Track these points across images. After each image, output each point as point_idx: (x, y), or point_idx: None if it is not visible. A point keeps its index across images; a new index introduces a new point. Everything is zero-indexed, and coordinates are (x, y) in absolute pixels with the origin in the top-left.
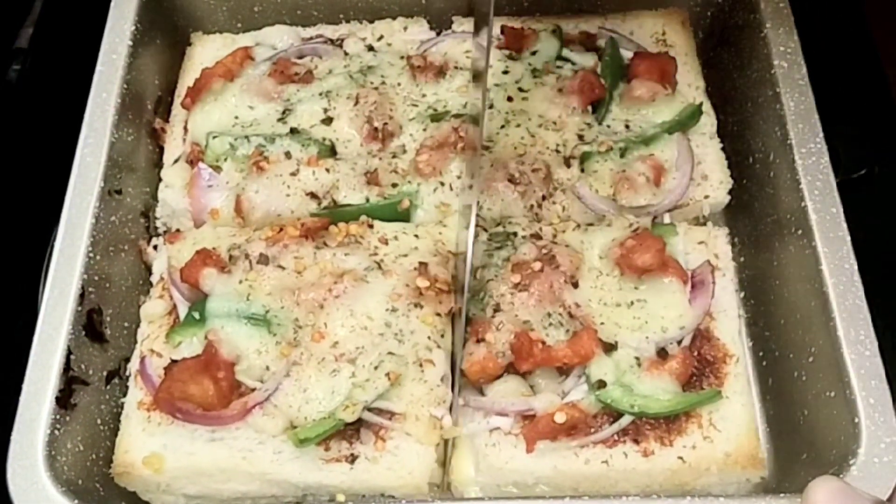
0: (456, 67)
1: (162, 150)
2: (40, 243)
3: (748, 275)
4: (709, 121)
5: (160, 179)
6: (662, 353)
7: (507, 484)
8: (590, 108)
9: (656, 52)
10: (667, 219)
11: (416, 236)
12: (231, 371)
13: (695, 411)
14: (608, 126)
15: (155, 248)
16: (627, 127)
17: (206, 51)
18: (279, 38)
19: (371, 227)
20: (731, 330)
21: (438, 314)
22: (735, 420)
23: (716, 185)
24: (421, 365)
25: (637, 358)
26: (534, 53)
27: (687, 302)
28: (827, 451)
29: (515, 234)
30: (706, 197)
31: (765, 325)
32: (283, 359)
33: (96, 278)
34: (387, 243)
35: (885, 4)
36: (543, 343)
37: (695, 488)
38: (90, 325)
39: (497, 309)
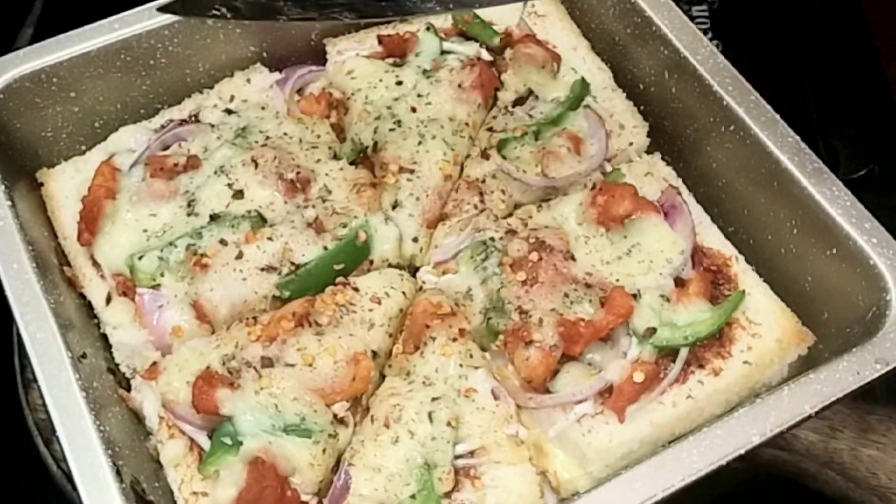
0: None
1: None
2: None
3: (690, 186)
4: (605, 75)
5: (98, 328)
6: (680, 283)
7: (616, 459)
8: (490, 99)
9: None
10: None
11: (404, 292)
12: (291, 487)
13: (732, 318)
14: (511, 113)
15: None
16: (531, 116)
17: (61, 183)
18: (129, 139)
19: (357, 290)
20: (715, 236)
21: (455, 339)
22: (767, 309)
23: (632, 131)
24: (467, 394)
25: (662, 295)
26: (418, 55)
27: (671, 229)
28: (851, 301)
29: (492, 238)
30: (630, 144)
31: (730, 224)
32: (335, 456)
33: (117, 449)
34: (380, 303)
35: (886, 4)
36: (583, 320)
37: (764, 384)
38: (139, 498)
39: (521, 311)
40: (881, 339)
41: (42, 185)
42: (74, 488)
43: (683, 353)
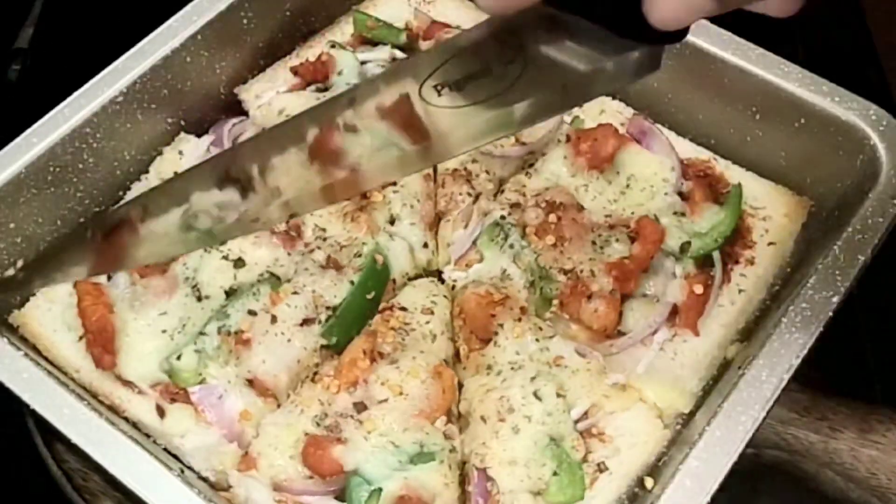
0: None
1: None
2: None
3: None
4: None
5: (160, 444)
6: (682, 196)
7: (705, 369)
8: None
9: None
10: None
11: (445, 296)
12: None
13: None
14: None
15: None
16: None
17: (41, 320)
18: None
19: (404, 309)
20: (686, 146)
21: (519, 319)
22: (762, 192)
23: None
24: (556, 363)
25: (676, 212)
26: (341, 73)
27: (652, 153)
28: (833, 159)
29: (503, 217)
30: None
31: (688, 132)
32: (459, 469)
33: None
34: (432, 312)
35: (886, 4)
36: (625, 258)
37: (785, 257)
38: None
39: (564, 271)
40: (887, 177)
41: (18, 328)
42: (75, 489)
43: (717, 255)
